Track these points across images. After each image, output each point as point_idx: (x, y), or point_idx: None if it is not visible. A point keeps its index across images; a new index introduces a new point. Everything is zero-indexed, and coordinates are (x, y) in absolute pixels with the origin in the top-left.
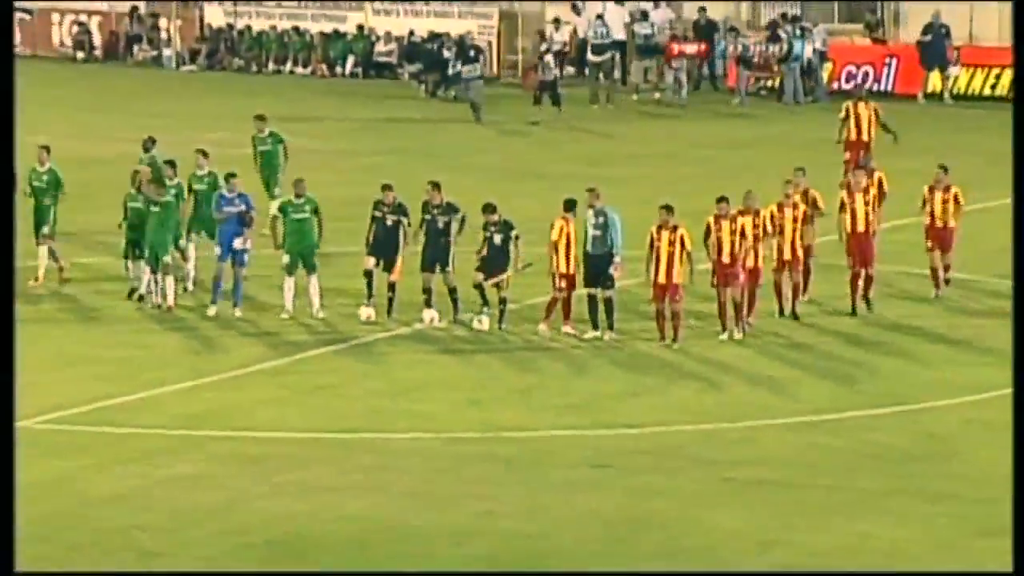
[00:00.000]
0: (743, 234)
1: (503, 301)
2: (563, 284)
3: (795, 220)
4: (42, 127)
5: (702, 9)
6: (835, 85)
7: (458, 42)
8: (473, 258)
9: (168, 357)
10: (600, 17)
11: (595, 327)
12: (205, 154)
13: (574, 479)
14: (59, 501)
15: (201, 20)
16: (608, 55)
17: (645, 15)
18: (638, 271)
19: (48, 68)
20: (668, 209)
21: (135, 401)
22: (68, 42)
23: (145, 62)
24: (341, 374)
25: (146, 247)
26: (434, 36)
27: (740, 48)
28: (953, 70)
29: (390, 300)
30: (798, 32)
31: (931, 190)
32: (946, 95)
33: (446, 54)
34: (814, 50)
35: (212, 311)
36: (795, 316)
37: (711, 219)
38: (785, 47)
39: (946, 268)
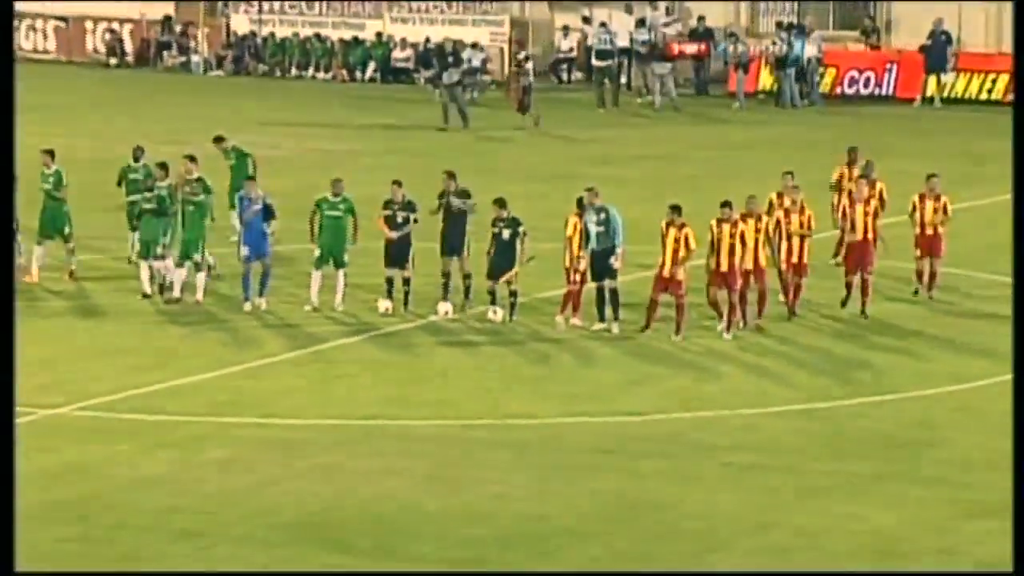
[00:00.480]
0: (743, 240)
1: (513, 295)
2: (576, 277)
3: (801, 225)
4: (76, 129)
5: (701, 18)
6: (838, 90)
7: (438, 49)
8: (483, 259)
9: (198, 348)
10: (604, 25)
11: (601, 319)
12: (193, 159)
13: (581, 463)
14: (97, 484)
15: (227, 28)
16: (612, 61)
17: (643, 22)
18: (641, 265)
19: (82, 73)
20: (676, 209)
21: (167, 389)
22: (101, 48)
23: (174, 67)
24: (361, 364)
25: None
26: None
27: (739, 54)
28: (950, 75)
29: (406, 294)
30: (796, 34)
31: (922, 198)
32: (936, 99)
33: (465, 55)
34: (810, 59)
35: (248, 307)
36: (793, 314)
37: (714, 223)
38: (784, 48)
39: (932, 276)
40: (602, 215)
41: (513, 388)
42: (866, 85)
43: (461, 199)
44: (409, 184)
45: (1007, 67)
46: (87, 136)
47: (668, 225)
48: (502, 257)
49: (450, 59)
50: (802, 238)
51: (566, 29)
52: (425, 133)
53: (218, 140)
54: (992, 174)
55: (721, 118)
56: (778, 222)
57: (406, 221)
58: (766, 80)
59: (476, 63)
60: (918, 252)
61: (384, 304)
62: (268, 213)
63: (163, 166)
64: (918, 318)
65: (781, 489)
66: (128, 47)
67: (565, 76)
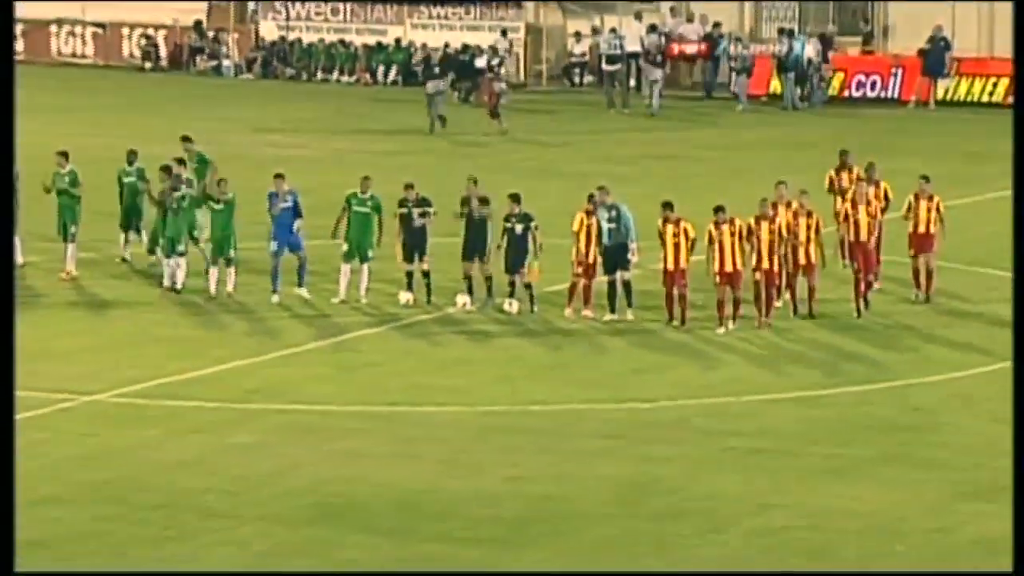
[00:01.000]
0: (742, 237)
1: (528, 287)
2: (579, 270)
3: (809, 228)
4: (113, 130)
5: (717, 24)
6: (846, 93)
7: (425, 59)
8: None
9: (228, 338)
10: (614, 31)
11: (612, 311)
12: (182, 162)
13: (592, 448)
14: (132, 467)
15: (256, 33)
16: (621, 65)
17: (654, 27)
18: (646, 261)
19: (118, 77)
20: (669, 205)
21: (198, 378)
22: (137, 53)
23: (206, 71)
24: (384, 353)
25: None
26: (466, 48)
27: (742, 58)
28: (949, 80)
29: (427, 287)
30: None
31: (916, 198)
32: (931, 102)
33: (478, 63)
34: (809, 60)
35: (275, 299)
36: (811, 315)
37: (712, 226)
38: (784, 50)
39: (928, 274)
40: (613, 212)
41: (528, 376)
42: (872, 88)
43: (481, 207)
44: (427, 182)
45: (1006, 71)
46: (123, 137)
47: (665, 222)
48: (515, 251)
49: (435, 70)
50: (809, 240)
51: (578, 35)
52: (443, 133)
53: (186, 139)
54: (988, 173)
55: (725, 120)
56: (788, 224)
57: (422, 216)
58: (776, 85)
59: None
60: (913, 250)
61: (405, 296)
62: (296, 210)
63: (167, 168)
64: (915, 311)
65: (782, 472)
66: (162, 52)
67: (577, 79)
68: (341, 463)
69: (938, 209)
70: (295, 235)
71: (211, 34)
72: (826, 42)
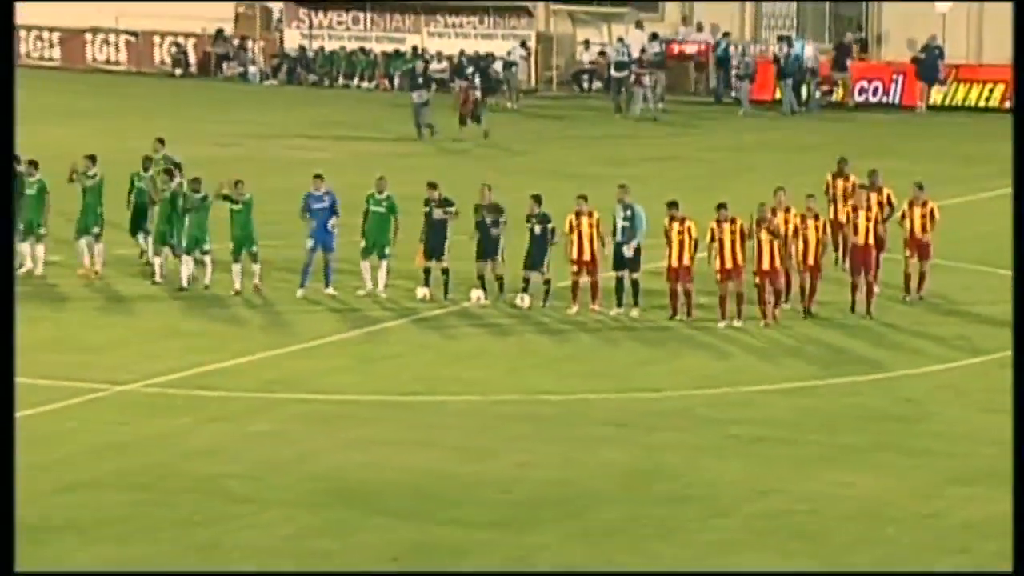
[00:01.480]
0: (743, 236)
1: (547, 283)
2: (575, 268)
3: (816, 230)
4: (146, 133)
5: (726, 33)
6: (849, 100)
7: (410, 70)
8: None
9: (252, 331)
10: (621, 39)
11: (619, 305)
12: (178, 166)
13: (599, 435)
14: (160, 454)
15: (281, 41)
16: (628, 71)
17: (655, 37)
18: (651, 259)
19: (150, 83)
20: (674, 205)
21: (223, 369)
22: (167, 60)
23: (233, 77)
24: (401, 345)
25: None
26: (480, 56)
27: (744, 64)
28: (944, 86)
29: (445, 283)
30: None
31: (911, 205)
32: (920, 105)
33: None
34: (808, 67)
35: (300, 293)
36: (809, 313)
37: (714, 223)
38: (783, 56)
39: (921, 277)
40: (628, 212)
41: (538, 367)
42: (875, 94)
43: (497, 214)
44: (446, 181)
45: (998, 76)
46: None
47: (671, 220)
48: (536, 248)
49: (419, 80)
50: (816, 242)
51: (587, 43)
52: (458, 136)
53: (160, 141)
54: (980, 174)
55: (727, 124)
56: (796, 228)
57: (444, 215)
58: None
59: (515, 63)
60: (907, 253)
61: (422, 291)
62: (333, 209)
63: (169, 171)
64: (905, 307)
65: (780, 459)
66: (192, 59)
67: (586, 85)
68: (360, 450)
69: (932, 216)
70: (330, 234)
71: (237, 42)
72: (844, 49)
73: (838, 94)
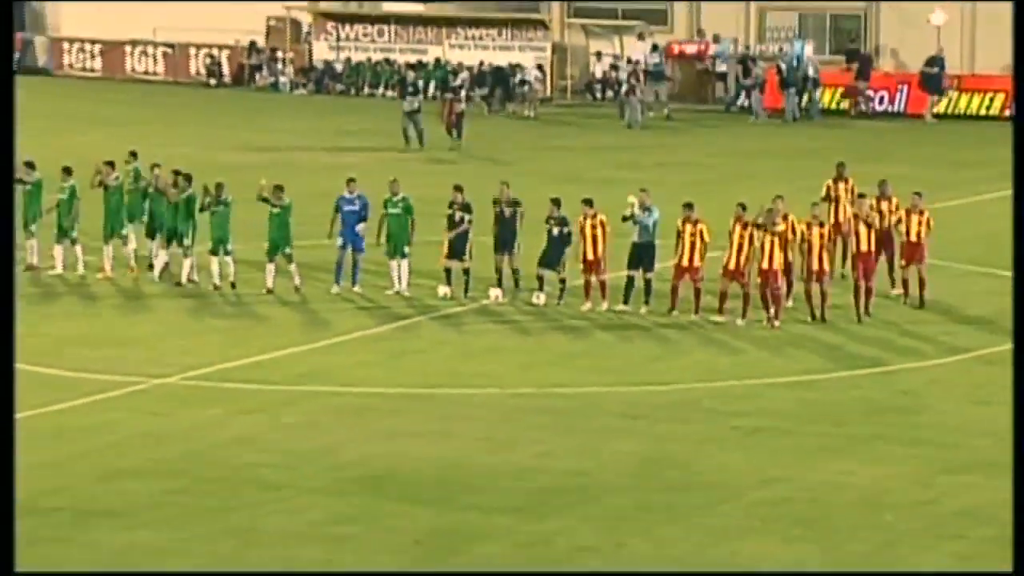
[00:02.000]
0: (751, 240)
1: (563, 281)
2: (582, 267)
3: (822, 237)
4: (182, 140)
5: (749, 50)
6: (870, 110)
7: (400, 80)
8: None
9: (282, 326)
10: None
11: (625, 302)
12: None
13: (612, 427)
14: (195, 443)
15: (310, 53)
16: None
17: (656, 48)
18: (664, 257)
19: (185, 92)
20: (689, 206)
21: (256, 363)
22: (202, 71)
23: (264, 87)
24: (423, 340)
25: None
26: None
27: (755, 76)
28: (945, 97)
29: (465, 283)
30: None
31: (908, 213)
32: (928, 115)
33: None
34: (807, 76)
35: (335, 289)
36: (823, 319)
37: (680, 222)
38: (786, 67)
39: (922, 284)
40: (647, 213)
41: (553, 362)
42: (880, 103)
43: (513, 208)
44: (467, 184)
45: (1001, 87)
46: (189, 145)
47: (684, 221)
48: (552, 248)
49: (409, 89)
50: (820, 248)
51: (599, 54)
52: (479, 142)
53: (132, 155)
54: (980, 176)
55: (733, 130)
56: (802, 234)
57: (462, 221)
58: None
59: (529, 81)
60: (903, 261)
61: (443, 290)
62: (363, 212)
63: (187, 177)
64: (903, 307)
65: (782, 449)
66: (225, 70)
67: (599, 94)
68: (385, 440)
69: (928, 223)
70: (359, 235)
71: (268, 53)
72: (865, 60)
73: (864, 103)
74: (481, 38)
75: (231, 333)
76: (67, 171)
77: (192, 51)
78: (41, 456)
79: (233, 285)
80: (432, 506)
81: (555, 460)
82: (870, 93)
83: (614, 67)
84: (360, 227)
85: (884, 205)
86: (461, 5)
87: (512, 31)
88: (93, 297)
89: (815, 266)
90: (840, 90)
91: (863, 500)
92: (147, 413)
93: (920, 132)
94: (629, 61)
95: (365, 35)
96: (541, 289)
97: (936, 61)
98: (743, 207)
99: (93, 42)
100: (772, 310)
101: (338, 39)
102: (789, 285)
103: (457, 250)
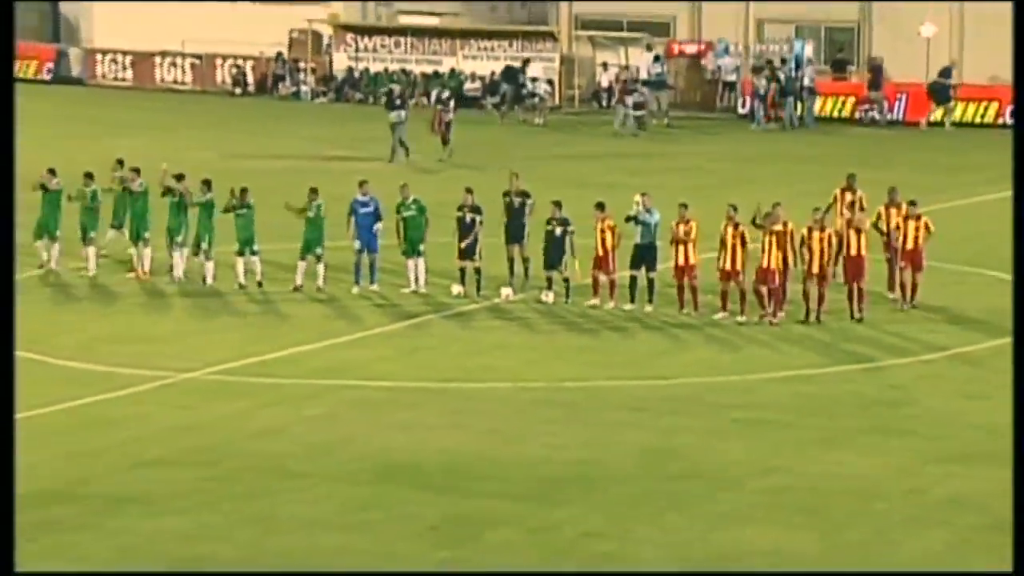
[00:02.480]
0: (743, 241)
1: (567, 280)
2: (590, 266)
3: (822, 241)
4: (209, 146)
5: (760, 55)
6: (856, 115)
7: (388, 92)
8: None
9: (303, 323)
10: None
11: (631, 301)
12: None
13: (618, 419)
14: (221, 435)
15: (330, 63)
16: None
17: (658, 58)
18: (667, 257)
19: (212, 101)
20: (684, 206)
21: (278, 358)
22: (228, 80)
23: (287, 96)
24: (438, 337)
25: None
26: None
27: (761, 86)
28: (950, 105)
29: (477, 282)
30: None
31: (905, 219)
32: (947, 124)
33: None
34: (803, 86)
35: (356, 290)
36: (818, 320)
37: (675, 223)
38: (784, 80)
39: (914, 288)
40: (648, 215)
41: (562, 357)
42: (880, 112)
43: (523, 199)
44: (478, 187)
45: (997, 96)
46: (214, 150)
47: (678, 223)
48: (553, 249)
49: (396, 102)
50: (821, 252)
51: (605, 65)
52: (490, 149)
53: (119, 162)
54: (977, 180)
55: (733, 137)
56: (803, 238)
57: (473, 222)
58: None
59: (540, 90)
60: (902, 264)
61: (457, 288)
62: (376, 214)
63: (207, 182)
64: (894, 307)
65: (781, 441)
66: (250, 79)
67: (604, 103)
68: (402, 431)
69: (927, 228)
70: (374, 236)
71: (290, 64)
72: (877, 68)
73: (878, 112)
74: (493, 49)
75: (255, 330)
76: (89, 176)
77: (219, 62)
78: (75, 447)
79: (260, 284)
80: (446, 494)
81: (563, 451)
82: (884, 103)
83: (619, 77)
84: (377, 227)
85: (893, 212)
86: (474, 18)
87: (523, 43)
88: (120, 296)
89: (815, 269)
90: (841, 99)
91: (857, 489)
92: (175, 406)
93: (917, 138)
94: (625, 69)
95: (383, 46)
96: (550, 288)
97: (947, 72)
98: (735, 208)
99: (125, 53)
100: (771, 307)
101: (357, 50)
102: (783, 286)
103: (468, 251)
